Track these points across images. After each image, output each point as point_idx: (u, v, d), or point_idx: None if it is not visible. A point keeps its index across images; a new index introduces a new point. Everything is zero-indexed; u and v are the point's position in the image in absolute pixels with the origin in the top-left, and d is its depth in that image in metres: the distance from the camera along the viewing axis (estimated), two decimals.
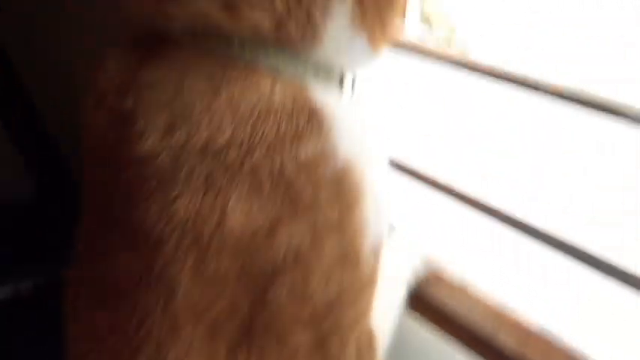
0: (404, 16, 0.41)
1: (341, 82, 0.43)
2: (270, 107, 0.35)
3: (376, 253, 0.43)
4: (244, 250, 0.35)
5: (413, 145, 0.72)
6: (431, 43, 0.62)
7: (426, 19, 0.71)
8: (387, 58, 0.44)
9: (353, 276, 0.41)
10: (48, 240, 1.31)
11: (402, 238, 0.64)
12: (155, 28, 0.38)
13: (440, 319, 0.64)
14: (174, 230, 0.34)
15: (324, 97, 0.39)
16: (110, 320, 0.39)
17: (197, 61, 0.36)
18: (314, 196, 0.37)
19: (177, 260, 0.35)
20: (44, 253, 1.33)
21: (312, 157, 0.36)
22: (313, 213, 0.37)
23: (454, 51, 0.67)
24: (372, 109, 0.49)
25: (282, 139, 0.35)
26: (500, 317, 0.61)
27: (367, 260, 0.42)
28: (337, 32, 0.37)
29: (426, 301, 0.64)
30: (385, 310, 0.55)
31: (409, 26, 0.50)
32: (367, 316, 0.46)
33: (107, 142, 0.39)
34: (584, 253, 0.51)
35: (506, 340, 0.59)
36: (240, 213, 0.35)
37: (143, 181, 0.35)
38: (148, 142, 0.35)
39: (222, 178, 0.34)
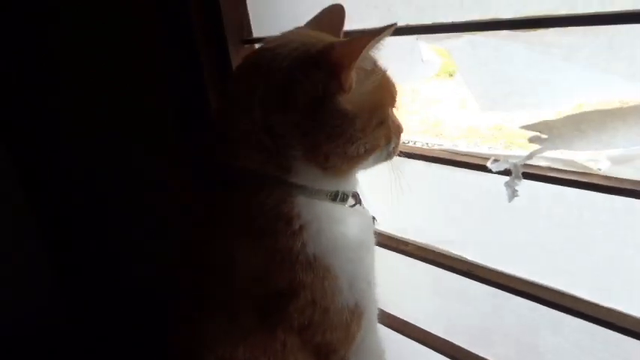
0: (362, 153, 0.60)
1: (337, 197, 0.63)
2: (256, 211, 0.58)
3: (352, 312, 0.63)
4: (250, 284, 0.59)
5: None
6: None
7: None
8: None
9: (323, 317, 0.60)
10: None
11: None
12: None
13: None
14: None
15: (305, 207, 0.59)
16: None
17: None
18: (290, 266, 0.58)
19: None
20: None
21: (279, 248, 0.58)
22: (290, 274, 0.58)
23: None
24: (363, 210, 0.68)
25: (264, 229, 0.58)
26: None
27: (339, 311, 0.61)
28: (301, 166, 0.58)
29: None
30: None
31: None
32: (346, 348, 0.65)
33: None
34: None
35: None
36: (243, 262, 0.60)
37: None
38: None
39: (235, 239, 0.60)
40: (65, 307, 1.83)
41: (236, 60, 0.95)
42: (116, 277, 1.76)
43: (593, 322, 0.60)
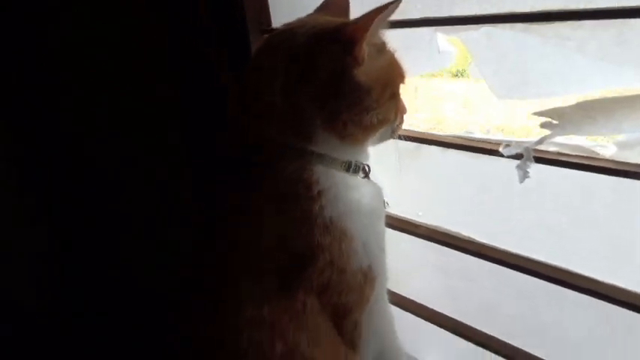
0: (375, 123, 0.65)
1: (349, 167, 0.68)
2: (279, 177, 0.64)
3: (365, 274, 0.67)
4: (274, 248, 0.64)
5: None
6: None
7: None
8: None
9: (340, 277, 0.65)
10: None
11: None
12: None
13: None
14: None
15: (323, 175, 0.64)
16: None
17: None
18: (307, 228, 0.63)
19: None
20: None
21: (301, 211, 0.63)
22: (310, 236, 0.63)
23: None
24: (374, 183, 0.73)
25: (287, 194, 0.64)
26: None
27: (355, 273, 0.66)
28: (321, 135, 0.64)
29: None
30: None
31: None
32: (359, 310, 0.69)
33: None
34: None
35: None
36: (268, 226, 0.64)
37: None
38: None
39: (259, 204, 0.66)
40: (65, 306, 1.84)
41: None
42: (116, 276, 1.78)
43: (595, 297, 0.64)
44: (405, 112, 0.73)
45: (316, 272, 0.64)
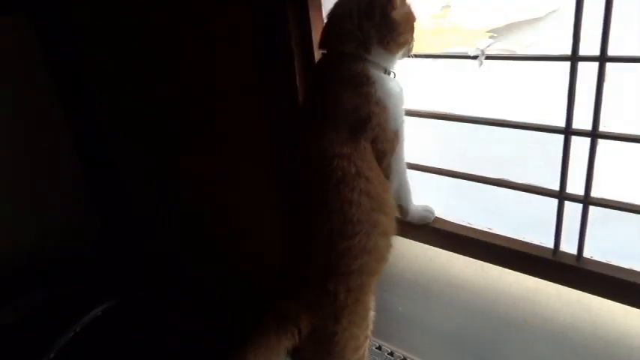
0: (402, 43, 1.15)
1: (386, 71, 1.16)
2: (352, 73, 1.13)
3: (395, 134, 1.17)
4: (349, 113, 1.12)
5: None
6: None
7: None
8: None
9: (383, 133, 1.13)
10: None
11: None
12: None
13: (440, 239, 1.39)
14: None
15: (375, 73, 1.12)
16: None
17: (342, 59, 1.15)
18: (367, 102, 1.11)
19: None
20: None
21: (364, 92, 1.11)
22: (368, 107, 1.11)
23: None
24: (399, 83, 1.19)
25: (357, 83, 1.12)
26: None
27: (390, 132, 1.14)
28: (375, 49, 1.12)
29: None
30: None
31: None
32: (391, 155, 1.18)
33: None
34: None
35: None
36: (346, 100, 1.13)
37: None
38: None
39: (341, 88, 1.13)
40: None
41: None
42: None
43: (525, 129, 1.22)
44: (414, 41, 1.26)
45: (370, 128, 1.12)
